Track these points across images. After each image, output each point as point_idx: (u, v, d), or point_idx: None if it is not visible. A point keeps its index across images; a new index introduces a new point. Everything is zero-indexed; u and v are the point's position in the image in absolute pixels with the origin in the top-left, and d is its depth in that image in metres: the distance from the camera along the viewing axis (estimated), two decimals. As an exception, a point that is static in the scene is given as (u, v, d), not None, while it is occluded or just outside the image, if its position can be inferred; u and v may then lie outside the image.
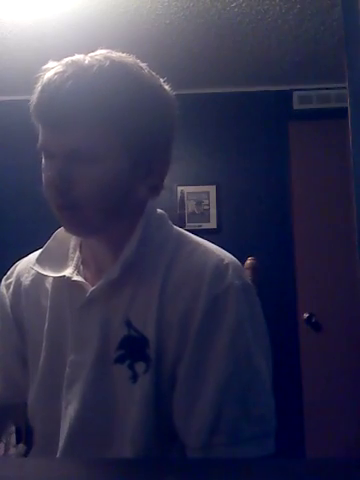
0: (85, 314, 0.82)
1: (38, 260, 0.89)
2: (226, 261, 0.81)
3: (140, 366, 0.77)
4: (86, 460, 0.55)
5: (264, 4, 2.35)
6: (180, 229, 0.92)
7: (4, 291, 0.95)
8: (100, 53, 0.78)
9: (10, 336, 0.93)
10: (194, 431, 0.74)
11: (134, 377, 0.77)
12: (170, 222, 0.92)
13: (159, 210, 0.92)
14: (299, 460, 0.68)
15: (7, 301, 0.94)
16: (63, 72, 0.73)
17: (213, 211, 3.14)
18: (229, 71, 3.02)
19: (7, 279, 0.97)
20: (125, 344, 0.79)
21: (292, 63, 2.92)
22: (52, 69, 0.76)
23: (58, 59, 0.79)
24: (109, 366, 0.79)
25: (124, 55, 0.80)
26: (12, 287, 0.94)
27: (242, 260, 1.26)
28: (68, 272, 0.85)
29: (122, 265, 0.79)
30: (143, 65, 0.83)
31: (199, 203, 3.16)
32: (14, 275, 0.96)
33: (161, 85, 0.84)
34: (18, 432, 2.41)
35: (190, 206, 3.16)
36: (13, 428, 2.42)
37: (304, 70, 3.02)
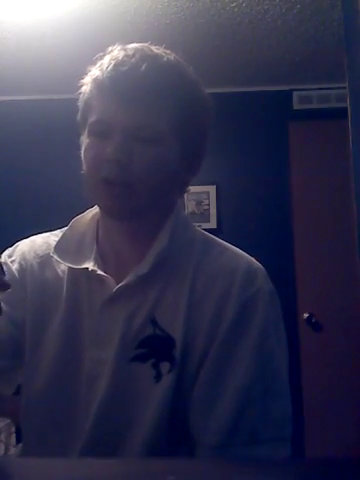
0: (107, 310, 0.80)
1: (56, 248, 0.86)
2: (255, 266, 0.83)
3: (164, 366, 0.77)
4: (85, 460, 0.55)
5: (264, 4, 2.35)
6: (204, 231, 0.91)
7: (10, 266, 0.89)
8: (145, 45, 0.84)
9: (16, 296, 0.85)
10: (213, 429, 0.74)
11: (158, 377, 0.77)
12: (191, 222, 0.92)
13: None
14: (299, 460, 0.69)
15: (16, 274, 0.88)
16: (132, 55, 0.78)
17: (213, 211, 3.14)
18: (229, 71, 3.02)
19: (10, 256, 0.91)
20: (148, 343, 0.78)
21: (292, 63, 2.92)
22: (116, 52, 0.80)
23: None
24: (130, 364, 0.78)
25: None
26: (17, 264, 0.89)
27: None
28: (90, 265, 0.83)
29: (154, 260, 0.79)
30: None
31: (199, 203, 3.16)
32: (17, 253, 0.91)
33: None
34: (18, 432, 2.41)
35: (190, 206, 3.16)
36: (13, 428, 2.42)
37: (304, 70, 3.02)
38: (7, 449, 2.38)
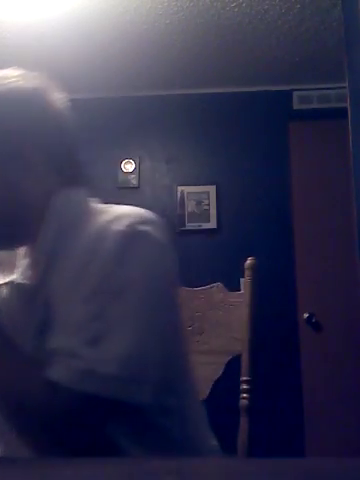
0: (27, 312, 0.84)
1: None
2: (118, 213, 0.82)
3: None
4: (85, 460, 0.55)
5: (264, 4, 2.35)
6: (106, 208, 0.88)
7: None
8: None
9: None
10: (55, 350, 0.74)
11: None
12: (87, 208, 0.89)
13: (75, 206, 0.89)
14: (299, 460, 0.68)
15: None
16: None
17: (213, 211, 3.14)
18: (229, 71, 3.03)
19: None
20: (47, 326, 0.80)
21: (292, 63, 2.93)
22: None
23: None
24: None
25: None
26: None
27: (242, 260, 1.26)
28: (14, 277, 0.87)
29: (37, 274, 0.83)
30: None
31: (199, 203, 3.16)
32: None
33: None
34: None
35: (190, 206, 3.16)
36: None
37: (304, 70, 3.02)
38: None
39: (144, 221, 0.82)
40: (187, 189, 3.18)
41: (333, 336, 2.96)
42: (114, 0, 2.28)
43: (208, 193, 3.17)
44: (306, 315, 2.97)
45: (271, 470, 0.49)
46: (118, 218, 0.80)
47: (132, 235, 0.79)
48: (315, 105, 3.19)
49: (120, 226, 0.78)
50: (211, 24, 2.50)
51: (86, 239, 0.80)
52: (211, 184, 3.17)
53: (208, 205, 3.15)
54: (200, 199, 3.17)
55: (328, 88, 3.13)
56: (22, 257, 0.90)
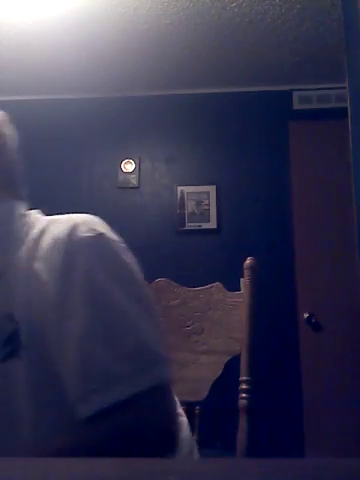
0: None
1: None
2: (74, 222, 0.82)
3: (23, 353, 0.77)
4: (85, 460, 0.55)
5: (264, 4, 2.35)
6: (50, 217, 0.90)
7: None
8: None
9: None
10: (72, 385, 0.73)
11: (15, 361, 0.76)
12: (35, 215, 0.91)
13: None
14: (299, 460, 0.68)
15: None
16: None
17: (213, 211, 3.14)
18: (229, 71, 3.03)
19: None
20: (12, 338, 0.78)
21: (292, 63, 2.93)
22: None
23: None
24: (4, 365, 0.77)
25: None
26: None
27: (242, 260, 1.26)
28: None
29: None
30: None
31: (199, 203, 3.16)
32: None
33: None
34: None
35: (190, 206, 3.16)
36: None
37: (304, 70, 3.02)
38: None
39: (99, 224, 0.83)
40: (187, 189, 3.18)
41: (333, 336, 2.96)
42: (114, 0, 2.28)
43: (208, 193, 3.17)
44: (306, 315, 2.97)
45: (271, 470, 0.49)
46: (75, 226, 0.80)
47: (99, 240, 0.80)
48: (315, 105, 3.19)
49: (84, 233, 0.79)
50: (211, 24, 2.50)
51: (45, 251, 0.79)
52: (211, 184, 3.17)
53: (208, 205, 3.15)
54: (200, 199, 3.17)
55: (328, 88, 3.13)
56: None
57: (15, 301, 0.79)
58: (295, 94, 3.21)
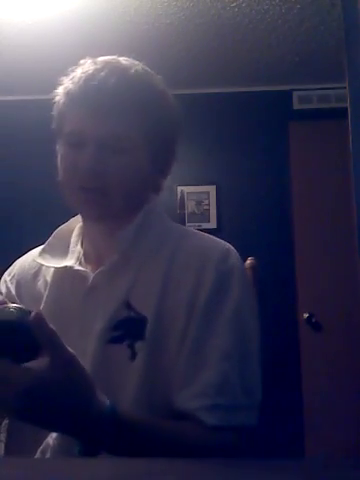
0: (89, 301, 0.86)
1: (41, 254, 0.93)
2: (228, 246, 0.91)
3: (139, 345, 0.82)
4: (85, 460, 0.55)
5: (264, 4, 2.35)
6: (183, 226, 1.00)
7: (8, 284, 0.99)
8: (114, 58, 0.88)
9: None
10: (198, 394, 0.77)
11: (132, 356, 0.81)
12: (171, 220, 0.99)
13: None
14: (299, 460, 0.68)
15: (12, 290, 0.97)
16: (100, 69, 0.83)
17: (213, 211, 3.14)
18: (229, 71, 3.03)
19: (9, 274, 1.00)
20: (123, 325, 0.83)
21: (292, 63, 2.93)
22: (87, 65, 0.87)
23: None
24: (108, 347, 0.83)
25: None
26: (15, 281, 0.98)
27: (242, 260, 1.26)
28: (70, 262, 0.90)
29: (118, 251, 0.86)
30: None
31: (199, 203, 3.16)
32: (15, 269, 1.00)
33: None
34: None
35: (190, 206, 3.16)
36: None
37: (304, 70, 3.02)
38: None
39: (236, 256, 0.90)
40: (187, 189, 3.18)
41: (333, 336, 2.96)
42: (114, 0, 2.28)
43: (208, 193, 3.17)
44: (306, 315, 2.97)
45: (271, 470, 0.49)
46: (229, 250, 0.89)
47: (244, 272, 0.90)
48: (315, 105, 3.19)
49: (236, 260, 0.88)
50: (211, 24, 2.50)
51: (189, 255, 0.86)
52: (211, 184, 3.17)
53: (208, 205, 3.15)
54: (200, 199, 3.17)
55: (328, 88, 3.13)
56: (75, 244, 0.93)
57: (135, 294, 0.84)
58: (295, 94, 3.21)
